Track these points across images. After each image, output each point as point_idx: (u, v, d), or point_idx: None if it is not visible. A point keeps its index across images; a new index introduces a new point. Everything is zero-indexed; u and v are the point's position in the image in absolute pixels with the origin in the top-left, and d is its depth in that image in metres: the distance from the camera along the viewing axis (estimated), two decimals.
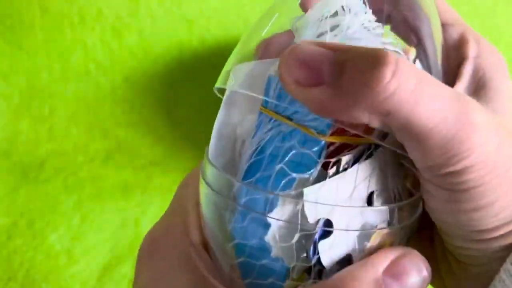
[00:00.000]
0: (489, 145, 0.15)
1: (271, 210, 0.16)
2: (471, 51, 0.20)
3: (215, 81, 0.54)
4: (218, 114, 0.20)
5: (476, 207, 0.16)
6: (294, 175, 0.16)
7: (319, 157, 0.16)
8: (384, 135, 0.16)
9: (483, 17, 0.50)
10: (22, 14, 0.49)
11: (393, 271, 0.15)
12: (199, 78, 0.53)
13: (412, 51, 0.20)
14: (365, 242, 0.16)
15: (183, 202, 0.20)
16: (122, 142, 0.54)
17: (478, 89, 0.19)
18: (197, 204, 0.19)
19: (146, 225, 0.44)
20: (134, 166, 0.50)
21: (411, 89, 0.14)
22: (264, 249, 0.16)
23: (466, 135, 0.15)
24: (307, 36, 0.17)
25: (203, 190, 0.18)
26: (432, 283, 0.19)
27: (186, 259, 0.18)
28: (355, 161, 0.16)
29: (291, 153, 0.16)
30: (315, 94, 0.14)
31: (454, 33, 0.20)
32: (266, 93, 0.18)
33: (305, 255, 0.16)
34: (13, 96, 0.53)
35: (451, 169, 0.15)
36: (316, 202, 0.15)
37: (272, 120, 0.18)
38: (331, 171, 0.16)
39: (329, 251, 0.16)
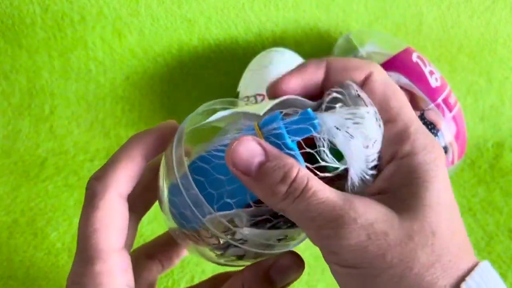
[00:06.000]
0: (359, 241, 0.18)
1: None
2: (402, 150, 0.20)
3: (215, 81, 0.54)
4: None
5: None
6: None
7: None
8: None
9: (481, 16, 0.51)
10: (23, 13, 0.50)
11: None
12: (199, 78, 0.53)
13: None
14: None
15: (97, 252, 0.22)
16: (123, 141, 0.54)
17: (401, 190, 0.20)
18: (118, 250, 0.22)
19: (146, 222, 0.44)
20: None
21: (293, 209, 0.20)
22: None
23: (336, 232, 0.19)
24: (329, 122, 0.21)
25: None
26: None
27: None
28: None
29: None
30: (244, 178, 0.20)
31: (390, 132, 0.21)
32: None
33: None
34: (14, 95, 0.53)
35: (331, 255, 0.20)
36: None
37: None
38: None
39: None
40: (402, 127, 0.21)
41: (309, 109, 0.20)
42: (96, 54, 0.51)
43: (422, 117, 0.41)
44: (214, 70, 0.52)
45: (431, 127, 0.41)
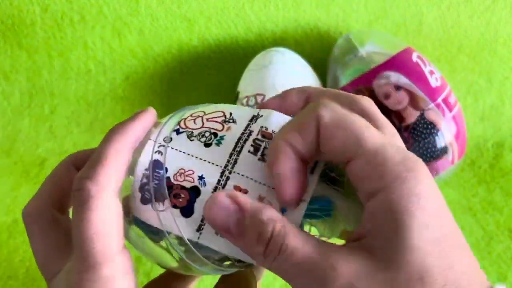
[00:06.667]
0: None
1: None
2: (372, 187, 0.18)
3: (215, 81, 0.54)
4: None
5: None
6: None
7: None
8: None
9: (481, 16, 0.51)
10: (23, 13, 0.49)
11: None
12: (199, 77, 0.53)
13: None
14: None
15: None
16: None
17: (380, 232, 0.18)
18: None
19: None
20: None
21: (274, 268, 0.19)
22: None
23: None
24: None
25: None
26: None
27: None
28: None
29: None
30: (227, 236, 0.19)
31: (358, 170, 0.19)
32: None
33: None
34: (13, 95, 0.53)
35: None
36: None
37: None
38: None
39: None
40: (365, 161, 0.18)
41: (330, 200, 0.21)
42: (95, 54, 0.51)
43: (422, 117, 0.41)
44: (214, 70, 0.52)
45: (431, 127, 0.41)
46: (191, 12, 0.49)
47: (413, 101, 0.42)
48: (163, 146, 0.21)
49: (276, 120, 0.21)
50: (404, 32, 0.51)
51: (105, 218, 0.20)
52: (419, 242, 0.17)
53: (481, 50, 0.52)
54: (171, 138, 0.21)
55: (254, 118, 0.22)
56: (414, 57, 0.43)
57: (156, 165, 0.21)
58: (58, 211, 0.23)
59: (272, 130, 0.21)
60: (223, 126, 0.22)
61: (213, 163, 0.21)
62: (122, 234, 0.21)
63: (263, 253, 0.18)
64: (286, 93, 0.22)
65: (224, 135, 0.21)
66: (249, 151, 0.21)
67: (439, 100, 0.42)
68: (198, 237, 0.20)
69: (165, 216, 0.21)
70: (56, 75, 0.52)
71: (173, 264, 0.22)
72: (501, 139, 0.53)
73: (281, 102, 0.22)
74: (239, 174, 0.20)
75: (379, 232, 0.18)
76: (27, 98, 0.54)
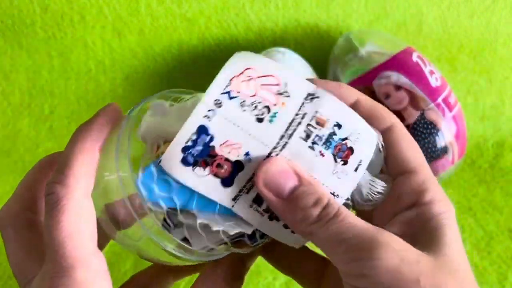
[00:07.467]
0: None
1: None
2: (424, 199, 0.22)
3: None
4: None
5: None
6: None
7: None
8: None
9: (481, 16, 0.51)
10: (23, 13, 0.50)
11: None
12: (199, 77, 0.53)
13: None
14: None
15: None
16: None
17: (420, 233, 0.21)
18: None
19: None
20: None
21: (324, 231, 0.20)
22: None
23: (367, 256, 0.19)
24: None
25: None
26: None
27: None
28: None
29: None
30: (273, 199, 0.20)
31: (412, 181, 0.22)
32: None
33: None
34: (13, 95, 0.53)
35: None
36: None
37: None
38: None
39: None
40: (423, 179, 0.22)
41: None
42: (96, 54, 0.51)
43: (422, 117, 0.41)
44: (214, 70, 0.52)
45: (431, 127, 0.41)
46: (191, 12, 0.49)
47: (413, 101, 0.42)
48: (213, 110, 0.20)
49: (332, 107, 0.21)
50: (404, 32, 0.51)
51: (76, 220, 0.20)
52: (452, 245, 0.20)
53: (481, 50, 0.52)
54: (221, 103, 0.20)
55: (309, 97, 0.21)
56: (414, 57, 0.43)
57: (203, 131, 0.20)
58: (34, 214, 0.23)
59: (327, 118, 0.21)
60: (278, 100, 0.21)
61: (262, 142, 0.20)
62: (95, 235, 0.20)
63: (318, 215, 0.20)
64: (340, 85, 0.23)
65: (277, 112, 0.21)
66: (300, 137, 0.20)
67: (439, 100, 0.42)
68: (233, 205, 0.21)
69: (203, 181, 0.20)
70: (56, 75, 0.52)
71: (161, 256, 0.22)
72: (501, 139, 0.53)
73: (338, 88, 0.23)
74: (286, 158, 0.20)
75: (420, 233, 0.21)
76: (27, 98, 0.54)
